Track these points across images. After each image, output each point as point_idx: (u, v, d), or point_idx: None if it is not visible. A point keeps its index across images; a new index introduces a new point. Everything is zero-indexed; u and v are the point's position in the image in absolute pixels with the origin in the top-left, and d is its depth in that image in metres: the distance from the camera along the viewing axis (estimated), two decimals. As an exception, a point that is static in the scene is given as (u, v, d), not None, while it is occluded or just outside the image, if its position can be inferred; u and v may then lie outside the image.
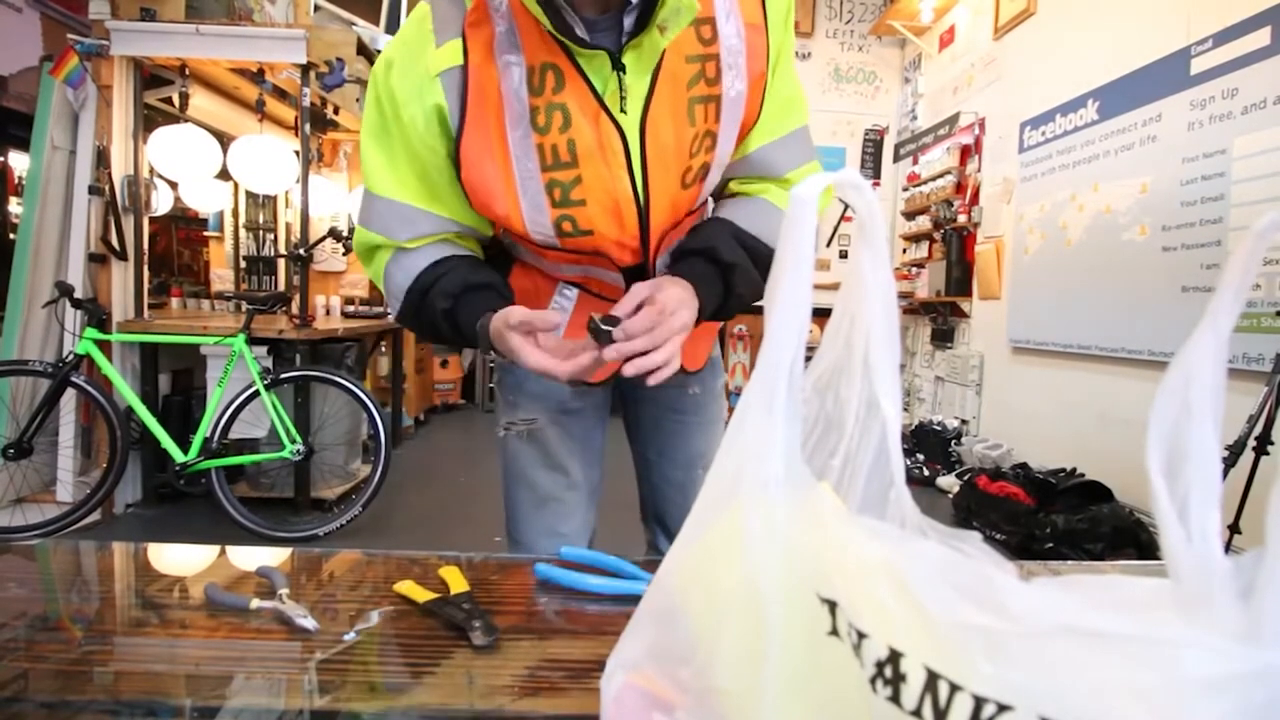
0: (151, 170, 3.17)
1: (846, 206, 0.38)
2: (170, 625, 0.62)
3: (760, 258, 0.85)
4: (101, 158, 2.98)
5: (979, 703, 0.25)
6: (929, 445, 4.20)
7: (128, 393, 2.74)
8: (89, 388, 2.62)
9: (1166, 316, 2.89)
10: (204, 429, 2.71)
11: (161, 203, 3.70)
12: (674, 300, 0.74)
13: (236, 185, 4.37)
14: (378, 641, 0.60)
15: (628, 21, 0.75)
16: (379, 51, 3.98)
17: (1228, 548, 2.02)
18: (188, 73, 3.11)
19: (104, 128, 2.99)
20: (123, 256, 3.04)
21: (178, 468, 2.67)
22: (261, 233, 4.87)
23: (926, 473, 4.01)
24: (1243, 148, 2.57)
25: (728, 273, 0.83)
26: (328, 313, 4.73)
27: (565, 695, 0.52)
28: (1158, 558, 0.32)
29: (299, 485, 3.09)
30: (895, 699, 0.28)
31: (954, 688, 0.26)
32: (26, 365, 2.62)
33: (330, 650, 0.57)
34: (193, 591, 0.69)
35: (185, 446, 2.71)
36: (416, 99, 0.77)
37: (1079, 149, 3.48)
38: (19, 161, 3.76)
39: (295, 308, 3.22)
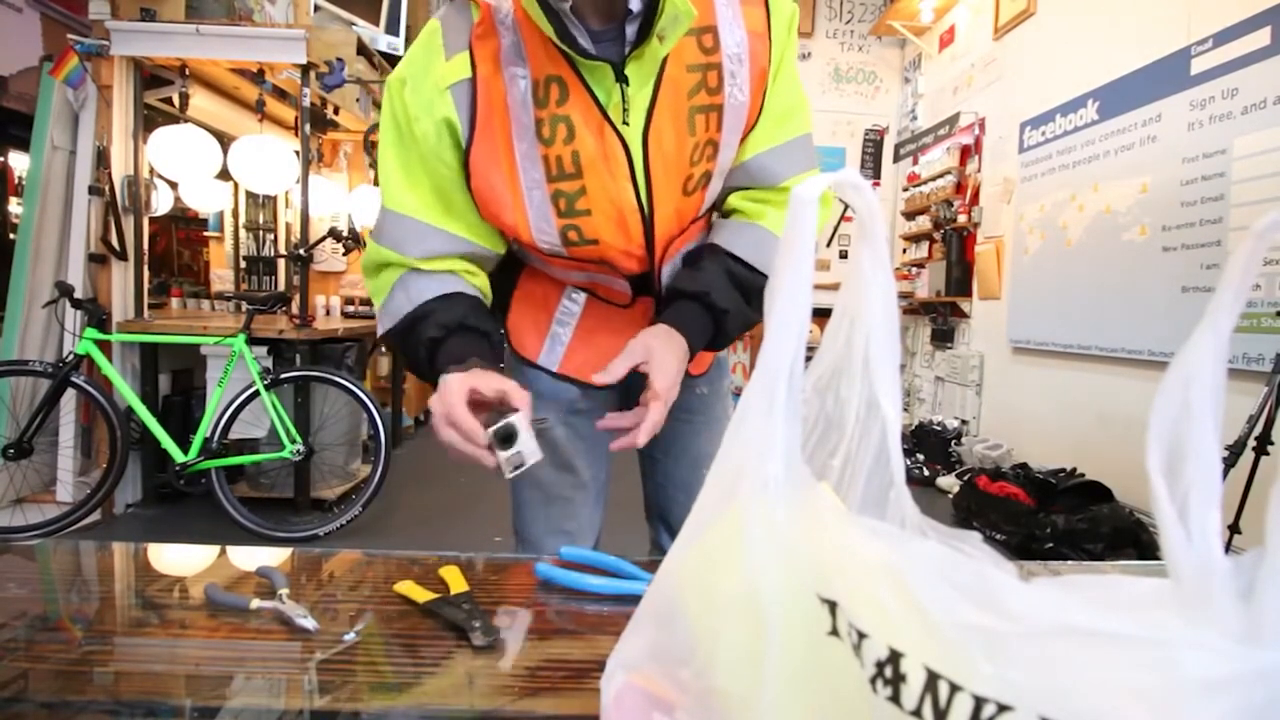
0: (151, 170, 3.17)
1: (846, 206, 0.38)
2: (170, 625, 0.62)
3: (756, 289, 0.86)
4: (101, 158, 2.98)
5: (979, 703, 0.25)
6: (929, 445, 4.20)
7: (128, 393, 2.74)
8: (89, 388, 2.62)
9: (1166, 316, 2.89)
10: (204, 429, 2.71)
11: (161, 203, 3.70)
12: (666, 378, 0.79)
13: (236, 185, 4.37)
14: (378, 642, 0.60)
15: (630, 31, 0.75)
16: (379, 51, 4.01)
17: (1228, 548, 2.02)
18: (188, 73, 3.11)
19: (104, 128, 2.99)
20: (123, 256, 3.04)
21: (178, 468, 2.67)
22: (261, 233, 4.87)
23: (926, 473, 4.02)
24: (1243, 148, 2.57)
25: (720, 317, 0.86)
26: (328, 313, 4.73)
27: (565, 695, 0.52)
28: (1158, 558, 0.32)
29: (299, 485, 3.09)
30: (895, 699, 0.28)
31: (954, 688, 0.26)
32: (26, 365, 2.62)
33: (330, 650, 0.57)
34: (193, 591, 0.69)
35: (185, 446, 2.71)
36: (428, 113, 0.77)
37: (1079, 149, 3.48)
38: (19, 161, 3.77)
39: (295, 308, 3.22)
